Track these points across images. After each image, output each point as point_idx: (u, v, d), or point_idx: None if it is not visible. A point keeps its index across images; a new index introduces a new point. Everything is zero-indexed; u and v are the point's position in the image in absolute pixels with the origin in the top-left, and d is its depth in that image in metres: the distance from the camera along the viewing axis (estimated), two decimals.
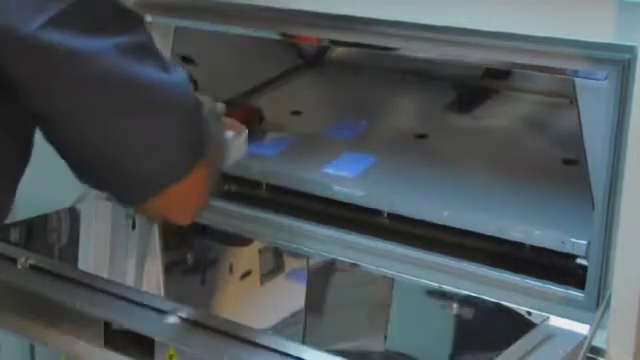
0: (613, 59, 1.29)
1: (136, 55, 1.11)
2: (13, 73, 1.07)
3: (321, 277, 1.66)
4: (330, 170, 1.73)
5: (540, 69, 1.41)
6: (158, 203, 1.19)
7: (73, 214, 1.83)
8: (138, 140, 1.13)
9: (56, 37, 1.04)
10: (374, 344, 1.48)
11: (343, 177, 1.70)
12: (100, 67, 1.08)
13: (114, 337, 1.41)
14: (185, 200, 1.21)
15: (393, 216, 1.64)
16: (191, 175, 1.17)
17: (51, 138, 1.16)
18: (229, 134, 1.37)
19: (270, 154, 1.81)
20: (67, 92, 1.08)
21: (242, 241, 1.74)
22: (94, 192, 1.85)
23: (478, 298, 1.49)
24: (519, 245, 1.52)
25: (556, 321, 1.41)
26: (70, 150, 1.16)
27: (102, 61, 1.08)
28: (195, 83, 1.93)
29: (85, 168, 1.18)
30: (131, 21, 1.12)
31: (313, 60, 2.21)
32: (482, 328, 1.52)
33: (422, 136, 1.84)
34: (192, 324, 1.38)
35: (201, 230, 1.75)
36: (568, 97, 1.82)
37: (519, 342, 1.35)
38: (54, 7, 1.05)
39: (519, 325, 1.41)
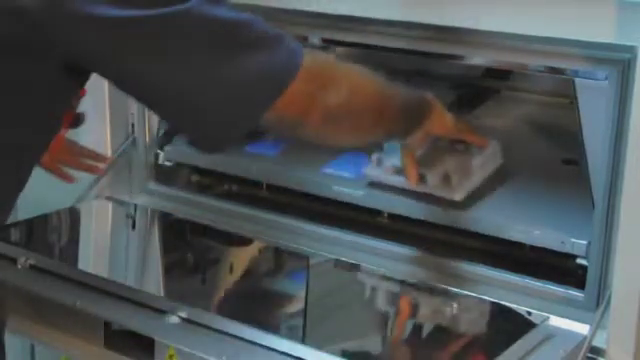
0: (613, 59, 1.29)
1: (220, 3, 1.15)
2: (99, 48, 1.10)
3: (321, 277, 1.66)
4: (330, 170, 1.73)
5: (540, 69, 1.41)
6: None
7: (73, 214, 1.83)
8: (248, 74, 1.16)
9: (133, 13, 1.08)
10: (374, 344, 1.48)
11: (343, 177, 1.70)
12: (197, 18, 1.11)
13: (114, 337, 1.41)
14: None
15: (393, 216, 1.64)
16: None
17: (150, 99, 1.19)
18: None
19: (270, 154, 1.81)
20: (172, 54, 1.12)
21: (242, 241, 1.74)
22: (94, 192, 1.85)
23: (478, 298, 1.49)
24: (519, 245, 1.52)
25: (556, 321, 1.41)
26: (164, 105, 1.18)
27: (196, 13, 1.11)
28: None
29: (184, 116, 1.19)
30: None
31: None
32: (482, 328, 1.52)
33: None
34: (192, 324, 1.38)
35: (201, 230, 1.75)
36: (568, 97, 1.82)
37: (519, 342, 1.35)
38: None
39: (519, 325, 1.41)
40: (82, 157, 1.71)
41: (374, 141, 1.51)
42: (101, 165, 1.75)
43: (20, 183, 1.23)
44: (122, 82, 1.17)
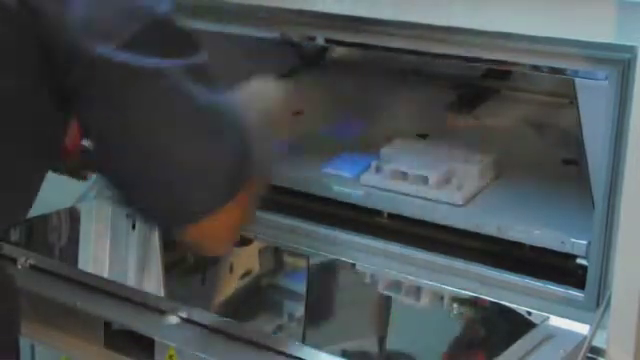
0: (613, 59, 1.29)
1: (199, 78, 1.12)
2: (80, 91, 1.09)
3: (321, 277, 1.66)
4: (330, 170, 1.73)
5: (540, 69, 1.41)
6: (195, 231, 1.16)
7: (73, 214, 1.83)
8: (192, 163, 1.12)
9: (127, 57, 1.07)
10: (374, 344, 1.48)
11: (343, 177, 1.70)
12: (167, 86, 1.10)
13: (114, 337, 1.41)
14: (221, 230, 1.19)
15: (393, 216, 1.64)
16: (230, 206, 1.15)
17: (103, 156, 1.16)
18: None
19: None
20: (132, 109, 1.10)
21: (242, 241, 1.73)
22: (94, 192, 1.85)
23: (478, 298, 1.49)
24: (519, 245, 1.52)
25: (556, 321, 1.41)
26: (121, 169, 1.14)
27: (168, 81, 1.10)
28: None
29: (132, 189, 1.16)
30: (194, 44, 1.14)
31: (313, 60, 2.21)
32: (482, 328, 1.52)
33: (422, 136, 1.84)
34: (192, 324, 1.38)
35: None
36: (568, 97, 1.82)
37: (519, 342, 1.35)
38: (126, 32, 1.07)
39: (519, 325, 1.41)
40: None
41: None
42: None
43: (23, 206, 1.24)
44: (89, 129, 1.15)
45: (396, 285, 1.57)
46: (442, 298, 1.55)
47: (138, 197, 1.17)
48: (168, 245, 1.76)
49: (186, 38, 1.14)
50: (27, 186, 1.21)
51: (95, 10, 1.07)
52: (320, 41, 1.63)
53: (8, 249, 1.61)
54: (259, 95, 1.39)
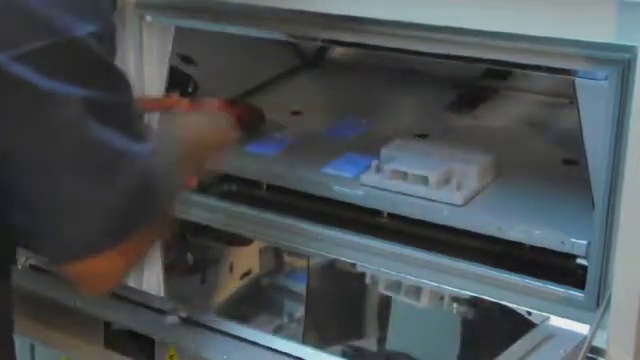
0: (613, 59, 1.29)
1: (103, 115, 1.05)
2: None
3: (321, 277, 1.66)
4: (330, 170, 1.73)
5: (540, 69, 1.41)
6: (71, 269, 1.10)
7: None
8: (72, 200, 1.06)
9: (20, 70, 1.00)
10: (374, 344, 1.48)
11: (343, 177, 1.70)
12: (62, 115, 1.03)
13: (114, 337, 1.41)
14: (99, 274, 1.12)
15: (393, 216, 1.64)
16: (113, 252, 1.09)
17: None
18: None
19: (270, 154, 1.81)
20: (20, 130, 1.03)
21: (242, 241, 1.74)
22: None
23: (478, 298, 1.49)
24: (519, 245, 1.52)
25: (556, 321, 1.41)
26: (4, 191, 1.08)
27: (65, 109, 1.03)
28: (195, 83, 1.93)
29: (14, 213, 1.10)
30: (115, 81, 1.08)
31: (313, 60, 2.21)
32: (482, 328, 1.52)
33: (422, 136, 1.84)
34: (192, 324, 1.38)
35: (201, 230, 1.75)
36: (568, 97, 1.82)
37: (519, 342, 1.35)
38: (28, 44, 1.01)
39: (519, 325, 1.41)
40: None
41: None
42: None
43: None
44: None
45: (396, 285, 1.57)
46: (442, 298, 1.55)
47: (17, 221, 1.11)
48: (168, 245, 1.76)
49: (104, 70, 1.07)
50: None
51: (2, 16, 1.01)
52: (320, 41, 1.63)
53: None
54: (185, 127, 1.32)
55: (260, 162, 1.79)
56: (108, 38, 1.09)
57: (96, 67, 1.06)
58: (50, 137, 1.03)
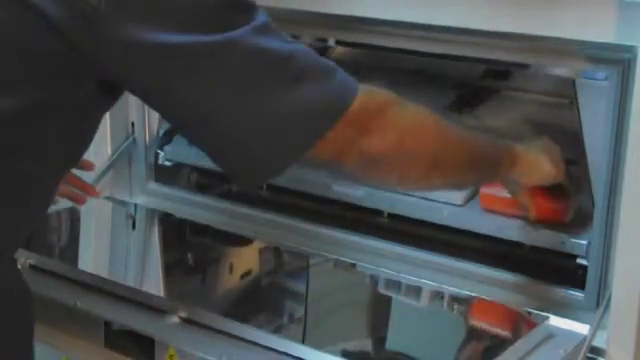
0: (613, 59, 1.29)
1: (269, 34, 1.12)
2: (145, 81, 1.09)
3: (321, 277, 1.66)
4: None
5: (540, 69, 1.41)
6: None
7: (73, 214, 1.83)
8: (294, 109, 1.12)
9: (186, 39, 1.07)
10: (374, 344, 1.48)
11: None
12: (247, 49, 1.10)
13: (114, 337, 1.41)
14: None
15: (393, 216, 1.64)
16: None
17: (194, 129, 1.16)
18: None
19: None
20: (219, 84, 1.09)
21: (242, 241, 1.74)
22: (99, 195, 1.85)
23: (478, 298, 1.49)
24: (519, 245, 1.52)
25: (556, 321, 1.41)
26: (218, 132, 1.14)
27: (245, 43, 1.09)
28: None
29: (236, 151, 1.16)
30: (252, 7, 1.13)
31: None
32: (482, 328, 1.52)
33: None
34: (192, 324, 1.38)
35: (201, 230, 1.75)
36: (568, 97, 1.82)
37: (519, 342, 1.35)
38: (182, 15, 1.07)
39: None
40: (70, 184, 1.60)
41: (440, 187, 1.41)
42: (86, 197, 1.63)
43: (43, 210, 1.24)
44: (166, 109, 1.15)
45: (396, 285, 1.57)
46: (442, 298, 1.55)
47: (235, 156, 1.16)
48: (168, 245, 1.76)
49: (244, 4, 1.13)
50: (47, 198, 1.23)
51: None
52: (320, 41, 1.63)
53: None
54: None
55: None
56: None
57: (240, 4, 1.12)
58: (234, 63, 1.10)
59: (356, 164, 1.18)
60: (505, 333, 1.47)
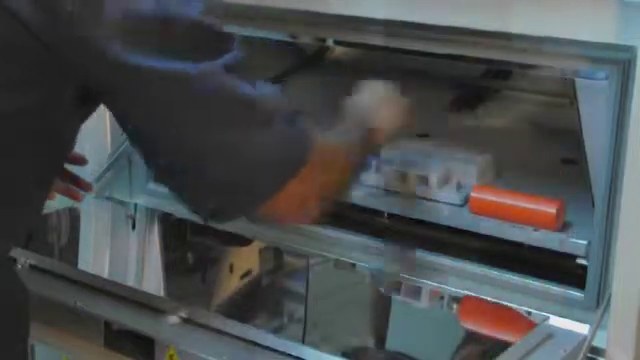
0: (613, 59, 1.29)
1: (238, 74, 1.15)
2: (123, 97, 1.12)
3: (321, 277, 1.66)
4: None
5: (540, 69, 1.41)
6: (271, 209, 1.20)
7: (73, 214, 1.83)
8: (244, 155, 1.15)
9: (162, 63, 1.09)
10: (374, 344, 1.48)
11: None
12: (211, 85, 1.12)
13: (114, 337, 1.41)
14: (290, 206, 1.22)
15: (393, 216, 1.64)
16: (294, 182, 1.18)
17: (153, 154, 1.18)
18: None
19: None
20: (180, 112, 1.11)
21: (242, 241, 1.74)
22: (94, 192, 1.85)
23: (478, 298, 1.49)
24: (519, 245, 1.52)
25: (556, 321, 1.41)
26: (173, 163, 1.17)
27: (213, 80, 1.12)
28: None
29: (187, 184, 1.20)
30: (229, 41, 1.16)
31: (313, 60, 2.21)
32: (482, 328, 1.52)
33: (423, 136, 1.84)
34: (192, 324, 1.38)
35: (201, 230, 1.75)
36: (568, 97, 1.82)
37: (519, 342, 1.35)
38: (164, 37, 1.10)
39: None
40: (66, 181, 1.60)
41: None
42: (82, 192, 1.62)
43: (35, 211, 1.25)
44: (140, 129, 1.16)
45: (396, 285, 1.57)
46: (442, 298, 1.55)
47: (194, 190, 1.20)
48: (168, 245, 1.76)
49: (221, 37, 1.16)
50: (38, 199, 1.23)
51: (129, 18, 1.08)
52: (320, 41, 1.63)
53: None
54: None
55: None
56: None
57: (217, 37, 1.15)
58: (213, 105, 1.13)
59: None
60: (505, 333, 1.46)
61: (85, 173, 1.79)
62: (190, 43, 1.12)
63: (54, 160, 1.23)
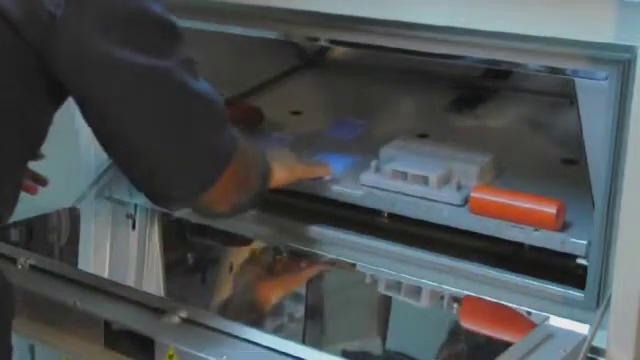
0: (613, 59, 1.29)
1: (193, 70, 1.23)
2: (85, 87, 1.17)
3: (321, 277, 1.66)
4: None
5: (540, 69, 1.41)
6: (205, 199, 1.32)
7: (73, 214, 1.83)
8: (193, 149, 1.25)
9: (132, 57, 1.15)
10: (374, 344, 1.48)
11: (339, 177, 1.70)
12: (172, 82, 1.20)
13: (114, 337, 1.41)
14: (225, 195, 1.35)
15: (393, 216, 1.64)
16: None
17: (111, 141, 1.24)
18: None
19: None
20: (138, 105, 1.19)
21: (242, 241, 1.74)
22: (94, 192, 1.85)
23: (478, 298, 1.49)
24: (519, 245, 1.52)
25: (556, 321, 1.41)
26: (129, 153, 1.24)
27: (173, 77, 1.20)
28: None
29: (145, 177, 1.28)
30: (180, 36, 1.23)
31: (313, 60, 2.21)
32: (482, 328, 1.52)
33: (423, 136, 1.84)
34: (192, 324, 1.38)
35: (201, 230, 1.75)
36: (568, 97, 1.82)
37: (519, 342, 1.35)
38: (130, 32, 1.16)
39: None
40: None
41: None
42: (39, 187, 1.65)
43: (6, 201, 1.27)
44: (93, 117, 1.22)
45: (396, 285, 1.57)
46: (442, 298, 1.55)
47: (137, 175, 1.28)
48: (168, 245, 1.76)
49: (173, 31, 1.22)
50: (14, 178, 1.27)
51: (103, 13, 1.13)
52: (322, 42, 1.63)
53: (8, 249, 1.61)
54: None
55: None
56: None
57: (171, 31, 1.22)
58: (170, 102, 1.21)
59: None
60: (505, 333, 1.46)
61: (86, 172, 1.80)
62: (156, 38, 1.18)
63: (25, 151, 1.26)
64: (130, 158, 1.24)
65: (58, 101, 1.23)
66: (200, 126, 1.25)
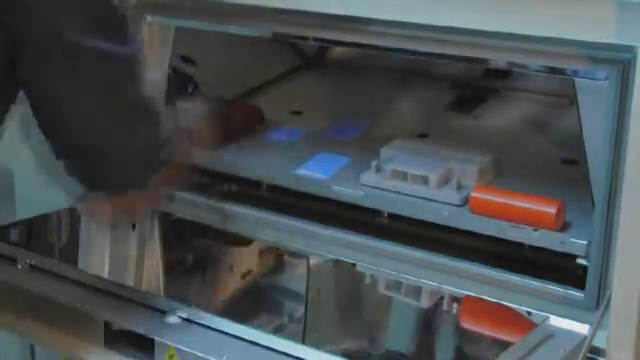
0: (613, 59, 1.29)
1: (137, 63, 1.26)
2: (46, 70, 1.19)
3: (321, 277, 1.66)
4: (304, 171, 1.72)
5: (540, 69, 1.41)
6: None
7: (73, 214, 1.83)
8: (125, 146, 1.29)
9: (94, 43, 1.18)
10: (374, 344, 1.48)
11: (316, 178, 1.70)
12: (128, 70, 1.24)
13: (114, 337, 1.41)
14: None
15: (393, 216, 1.64)
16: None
17: (46, 117, 1.26)
18: None
19: (270, 154, 1.82)
20: (87, 87, 1.21)
21: (242, 241, 1.74)
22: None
23: (478, 298, 1.49)
24: (519, 245, 1.52)
25: (556, 321, 1.41)
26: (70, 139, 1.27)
27: (130, 65, 1.24)
28: (195, 83, 1.93)
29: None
30: (128, 27, 1.27)
31: (313, 60, 2.21)
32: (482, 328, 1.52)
33: (423, 136, 1.84)
34: (192, 324, 1.38)
35: (201, 230, 1.75)
36: (568, 97, 1.82)
37: (519, 342, 1.35)
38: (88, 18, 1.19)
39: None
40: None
41: None
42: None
43: None
44: (41, 98, 1.23)
45: (396, 285, 1.57)
46: (442, 298, 1.55)
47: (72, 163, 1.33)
48: (168, 245, 1.76)
49: (122, 21, 1.26)
50: None
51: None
52: (320, 41, 1.63)
53: (8, 249, 1.61)
54: None
55: (260, 162, 1.79)
56: None
57: (123, 22, 1.26)
58: (121, 89, 1.25)
59: None
60: (505, 333, 1.46)
61: None
62: (116, 26, 1.22)
63: None
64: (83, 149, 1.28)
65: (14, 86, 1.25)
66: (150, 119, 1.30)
